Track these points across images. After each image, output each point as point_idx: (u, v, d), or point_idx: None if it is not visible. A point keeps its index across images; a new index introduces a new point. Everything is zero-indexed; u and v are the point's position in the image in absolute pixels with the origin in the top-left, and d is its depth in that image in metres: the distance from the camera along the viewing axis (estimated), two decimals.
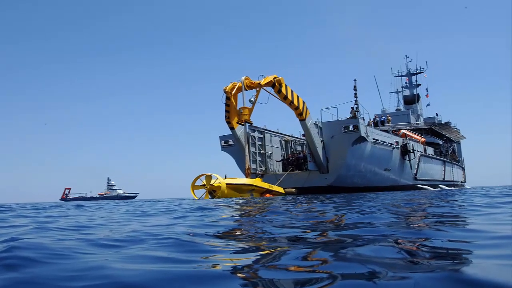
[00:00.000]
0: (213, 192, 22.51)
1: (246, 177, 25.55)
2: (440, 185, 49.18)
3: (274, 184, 26.91)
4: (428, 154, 46.56)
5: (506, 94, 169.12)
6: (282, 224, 5.71)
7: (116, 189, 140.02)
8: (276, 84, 26.07)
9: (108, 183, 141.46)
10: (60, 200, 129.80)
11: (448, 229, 4.48)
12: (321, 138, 30.27)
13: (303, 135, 33.08)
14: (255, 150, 31.63)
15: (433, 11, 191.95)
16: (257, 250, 3.55)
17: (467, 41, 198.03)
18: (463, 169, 67.42)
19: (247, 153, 26.93)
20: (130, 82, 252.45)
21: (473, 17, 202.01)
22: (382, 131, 37.17)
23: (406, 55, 64.22)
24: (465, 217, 6.17)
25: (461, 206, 8.79)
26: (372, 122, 41.35)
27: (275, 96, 26.84)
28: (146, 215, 8.42)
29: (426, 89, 62.25)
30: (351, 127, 30.48)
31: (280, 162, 33.93)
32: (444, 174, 52.60)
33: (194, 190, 23.07)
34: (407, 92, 61.85)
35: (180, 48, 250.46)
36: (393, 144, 36.37)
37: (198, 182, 23.02)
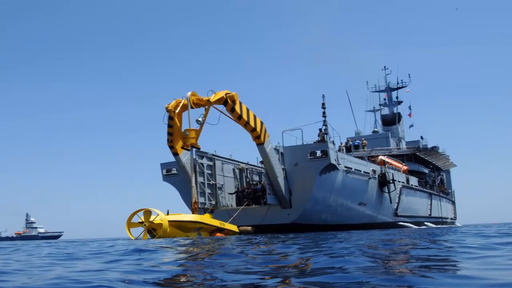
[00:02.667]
0: (153, 230, 22.50)
1: (193, 213, 25.54)
2: (425, 223, 49.78)
3: (226, 222, 26.98)
4: (412, 185, 47.22)
5: (506, 113, 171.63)
6: (236, 269, 5.80)
7: (36, 227, 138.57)
8: (229, 101, 26.19)
9: (27, 220, 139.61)
10: None
11: (435, 275, 4.57)
12: (282, 166, 30.45)
13: (261, 162, 33.16)
14: (204, 180, 31.64)
15: (417, 14, 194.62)
16: None
17: (459, 49, 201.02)
18: (453, 203, 68.46)
19: (193, 184, 26.80)
20: (50, 98, 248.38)
21: (466, 20, 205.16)
22: (356, 157, 37.61)
23: (384, 66, 65.22)
24: (456, 261, 6.24)
25: (450, 247, 8.95)
26: (344, 147, 41.97)
27: (227, 116, 27.00)
28: (73, 259, 8.48)
29: (409, 107, 63.11)
30: (318, 153, 30.65)
31: (234, 195, 34.03)
32: (431, 209, 53.33)
33: (130, 229, 23.02)
34: (386, 111, 62.63)
35: (110, 57, 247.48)
36: (369, 173, 36.87)
37: (135, 219, 22.98)
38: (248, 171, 37.32)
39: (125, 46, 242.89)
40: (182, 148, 26.90)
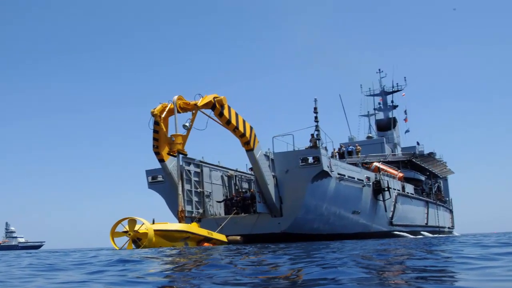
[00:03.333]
0: (138, 240, 22.54)
1: (179, 222, 25.59)
2: (422, 232, 50.03)
3: (215, 231, 27.04)
4: (407, 193, 47.42)
5: (507, 118, 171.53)
6: (224, 280, 5.82)
7: (16, 237, 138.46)
8: (217, 105, 26.18)
9: (6, 229, 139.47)
10: None
11: (432, 287, 4.59)
12: (273, 173, 30.53)
13: (251, 169, 33.25)
14: (191, 187, 31.47)
15: (413, 13, 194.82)
16: None
17: (458, 51, 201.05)
18: (451, 211, 68.70)
19: (180, 192, 26.81)
20: (29, 104, 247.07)
21: (465, 20, 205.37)
22: (350, 164, 37.71)
23: (379, 69, 65.32)
24: (453, 272, 6.24)
25: (448, 258, 8.98)
26: (337, 153, 42.10)
27: (215, 121, 27.08)
28: (55, 270, 8.49)
29: (405, 111, 63.09)
30: (310, 159, 30.72)
31: (222, 203, 34.02)
32: (427, 218, 53.51)
33: (114, 238, 23.05)
34: (380, 116, 62.81)
35: (89, 59, 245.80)
36: (363, 180, 36.98)
37: (120, 228, 23.02)
38: (237, 178, 37.25)
39: (105, 47, 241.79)
40: (168, 154, 26.96)
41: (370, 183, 38.17)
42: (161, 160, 28.65)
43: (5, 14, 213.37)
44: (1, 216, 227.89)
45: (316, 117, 33.66)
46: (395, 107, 62.97)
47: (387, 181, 40.46)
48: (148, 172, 32.87)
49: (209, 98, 26.23)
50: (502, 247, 12.17)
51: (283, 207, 30.62)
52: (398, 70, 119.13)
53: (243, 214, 32.22)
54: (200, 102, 26.14)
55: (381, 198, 39.25)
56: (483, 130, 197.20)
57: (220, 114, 26.47)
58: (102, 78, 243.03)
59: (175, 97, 26.06)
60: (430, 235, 49.67)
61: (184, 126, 25.75)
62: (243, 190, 35.89)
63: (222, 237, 26.50)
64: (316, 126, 33.67)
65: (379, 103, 63.40)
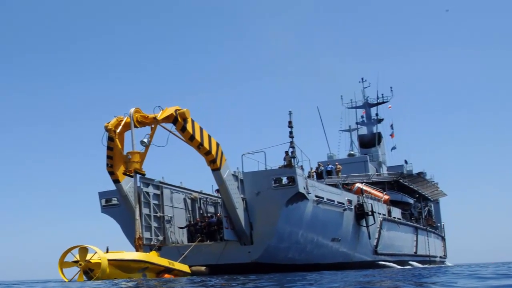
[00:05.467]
0: (89, 271, 22.61)
1: (137, 251, 25.64)
2: (410, 262, 50.40)
3: (176, 260, 27.14)
4: (394, 217, 47.86)
5: (508, 135, 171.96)
6: None
7: None
8: (179, 118, 26.16)
9: None
10: None
11: None
12: (242, 195, 30.67)
13: (217, 190, 33.42)
14: (149, 212, 31.63)
15: (400, 15, 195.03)
16: None
17: (450, 57, 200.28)
18: (443, 239, 69.33)
19: (137, 217, 26.64)
20: None
21: (459, 23, 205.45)
22: (329, 185, 37.98)
23: (362, 78, 65.95)
24: None
25: None
26: (314, 173, 42.28)
27: (177, 136, 27.21)
28: None
29: (391, 126, 63.79)
30: (284, 180, 30.96)
31: (185, 229, 34.18)
32: (416, 246, 53.98)
33: (63, 269, 23.09)
34: (363, 130, 63.30)
35: (28, 66, 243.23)
36: (344, 203, 37.31)
37: (69, 258, 23.06)
38: (201, 201, 37.42)
39: (53, 51, 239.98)
40: (124, 174, 26.75)
41: (352, 207, 38.43)
42: (116, 181, 28.56)
43: None
44: None
45: (291, 132, 33.70)
46: (380, 121, 63.41)
47: (371, 204, 40.74)
48: (101, 194, 32.85)
49: (170, 110, 26.04)
50: (500, 279, 12.32)
51: (254, 233, 30.67)
52: (383, 79, 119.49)
53: (208, 241, 32.32)
54: (160, 115, 25.94)
55: (364, 224, 39.51)
56: (481, 148, 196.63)
57: (183, 129, 26.45)
58: (47, 87, 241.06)
59: (132, 110, 25.81)
60: (420, 265, 50.04)
61: (142, 142, 25.53)
62: (209, 215, 36.01)
63: (185, 268, 26.59)
64: (291, 142, 33.67)
65: (362, 117, 63.85)
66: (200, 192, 37.52)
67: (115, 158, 27.20)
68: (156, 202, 32.44)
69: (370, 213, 39.65)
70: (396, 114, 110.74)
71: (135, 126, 25.80)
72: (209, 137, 27.78)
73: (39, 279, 36.79)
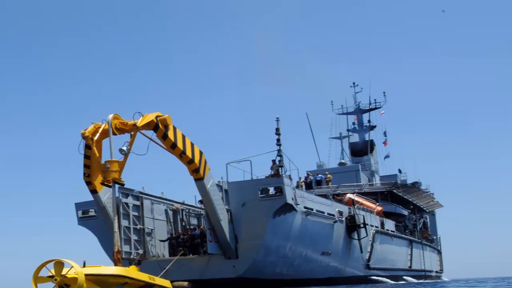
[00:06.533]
0: (65, 286, 22.65)
1: (115, 265, 25.62)
2: (404, 277, 50.60)
3: (157, 275, 27.20)
4: (387, 230, 48.07)
5: (508, 143, 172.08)
6: None
7: None
8: (160, 125, 26.14)
9: None
10: None
11: None
12: (226, 207, 30.78)
13: (200, 201, 33.52)
14: (129, 224, 31.62)
15: (394, 17, 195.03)
16: None
17: (447, 60, 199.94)
18: (439, 252, 69.61)
19: (116, 229, 26.29)
20: None
21: (456, 25, 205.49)
22: (319, 196, 38.12)
23: (354, 83, 66.28)
24: None
25: None
26: (303, 183, 42.51)
27: (158, 144, 27.15)
28: None
29: (384, 133, 64.00)
30: (272, 190, 31.11)
31: (166, 243, 34.21)
32: (411, 260, 54.20)
33: (38, 284, 23.12)
34: (355, 138, 63.57)
35: (5, 72, 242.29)
36: (334, 215, 37.53)
37: (44, 273, 23.10)
38: (184, 212, 37.48)
39: (25, 54, 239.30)
40: (102, 184, 26.40)
41: (343, 219, 38.61)
42: (94, 191, 28.46)
43: None
44: None
45: (278, 140, 33.86)
46: (372, 128, 63.64)
47: (363, 216, 40.98)
48: (78, 206, 32.89)
49: (150, 117, 25.87)
50: None
51: (239, 247, 30.73)
52: (376, 83, 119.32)
53: (191, 255, 32.35)
54: (140, 122, 25.54)
55: (356, 237, 39.71)
56: (479, 156, 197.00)
57: (164, 137, 26.42)
58: (18, 94, 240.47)
59: (110, 116, 25.30)
60: (415, 280, 50.36)
61: (121, 150, 25.19)
62: (192, 227, 36.01)
63: (167, 283, 26.60)
64: (279, 150, 33.82)
65: (354, 123, 64.12)
66: (182, 203, 37.55)
67: (93, 167, 27.09)
68: (136, 213, 32.37)
69: (362, 225, 39.79)
70: (390, 120, 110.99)
71: (114, 134, 25.31)
72: (192, 145, 27.77)
73: None
